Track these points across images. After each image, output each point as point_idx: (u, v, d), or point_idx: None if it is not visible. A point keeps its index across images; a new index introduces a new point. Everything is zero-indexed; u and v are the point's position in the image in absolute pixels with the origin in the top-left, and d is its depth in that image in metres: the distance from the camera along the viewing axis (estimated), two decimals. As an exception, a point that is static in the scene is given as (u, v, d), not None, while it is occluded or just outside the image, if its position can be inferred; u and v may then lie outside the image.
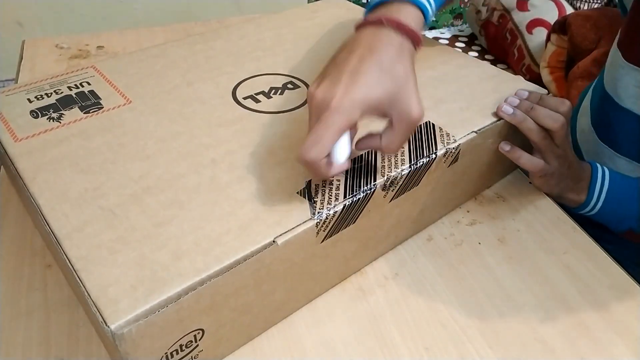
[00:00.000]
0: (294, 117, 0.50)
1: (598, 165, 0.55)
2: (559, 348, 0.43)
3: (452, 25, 2.03)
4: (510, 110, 0.51)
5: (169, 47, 0.62)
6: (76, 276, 0.34)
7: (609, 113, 0.58)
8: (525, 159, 0.52)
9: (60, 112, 0.49)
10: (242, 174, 0.43)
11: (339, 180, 0.42)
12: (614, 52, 0.59)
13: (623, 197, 0.54)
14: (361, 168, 0.44)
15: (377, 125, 0.40)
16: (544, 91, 0.55)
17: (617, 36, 0.59)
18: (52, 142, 0.46)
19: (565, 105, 0.51)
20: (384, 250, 0.51)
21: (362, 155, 0.45)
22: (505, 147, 0.53)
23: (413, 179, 0.46)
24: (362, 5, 0.70)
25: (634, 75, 0.54)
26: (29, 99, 0.51)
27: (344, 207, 0.41)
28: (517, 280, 0.49)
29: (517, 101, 0.52)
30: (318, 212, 0.40)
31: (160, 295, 0.33)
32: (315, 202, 0.40)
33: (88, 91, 0.53)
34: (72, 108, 0.50)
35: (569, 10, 1.39)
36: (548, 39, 1.12)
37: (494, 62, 1.65)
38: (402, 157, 0.45)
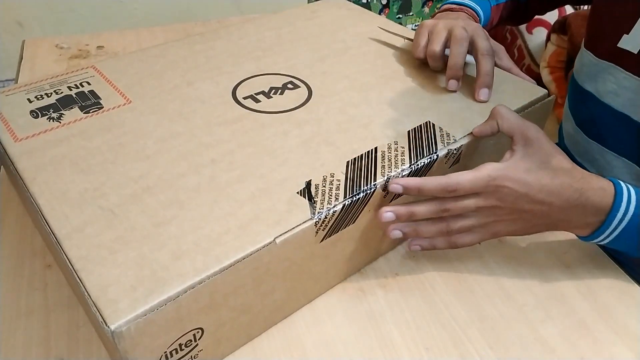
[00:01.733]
0: (294, 117, 0.50)
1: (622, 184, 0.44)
2: (559, 348, 0.43)
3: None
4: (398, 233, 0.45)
5: (169, 47, 0.62)
6: (76, 276, 0.35)
7: (592, 110, 0.59)
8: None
9: (60, 112, 0.49)
10: (242, 173, 0.43)
11: (339, 180, 0.42)
12: (584, 55, 0.61)
13: None
14: (361, 168, 0.44)
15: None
16: (544, 91, 0.55)
17: (583, 39, 0.61)
18: (52, 142, 0.46)
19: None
20: (384, 250, 0.51)
21: (362, 155, 0.45)
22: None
23: (413, 178, 0.46)
24: (362, 5, 0.70)
25: (610, 71, 0.56)
26: (29, 99, 0.51)
27: (343, 206, 0.41)
28: (517, 280, 0.49)
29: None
30: (318, 212, 0.40)
31: (160, 295, 0.33)
32: (315, 201, 0.40)
33: (88, 91, 0.53)
34: (72, 108, 0.50)
35: (569, 10, 1.39)
36: (548, 38, 1.12)
37: (494, 62, 1.64)
38: (402, 157, 0.45)
